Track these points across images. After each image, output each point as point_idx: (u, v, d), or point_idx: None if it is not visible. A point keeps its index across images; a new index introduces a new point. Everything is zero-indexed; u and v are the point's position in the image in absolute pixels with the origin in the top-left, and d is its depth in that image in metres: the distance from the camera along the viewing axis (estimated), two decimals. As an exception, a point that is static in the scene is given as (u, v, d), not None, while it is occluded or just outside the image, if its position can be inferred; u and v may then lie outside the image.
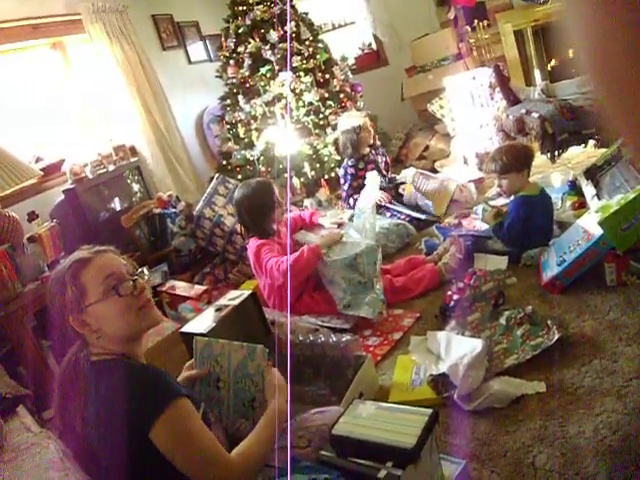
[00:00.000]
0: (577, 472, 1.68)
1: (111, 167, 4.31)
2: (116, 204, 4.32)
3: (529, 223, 3.07)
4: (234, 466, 1.44)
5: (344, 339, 2.41)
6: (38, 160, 4.15)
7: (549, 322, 2.41)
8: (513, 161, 3.10)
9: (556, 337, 2.28)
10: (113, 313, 1.46)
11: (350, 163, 4.32)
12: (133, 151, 4.81)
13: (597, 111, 3.56)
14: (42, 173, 3.88)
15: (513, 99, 4.34)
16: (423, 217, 4.13)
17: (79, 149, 4.47)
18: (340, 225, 3.58)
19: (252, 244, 3.19)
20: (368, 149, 4.39)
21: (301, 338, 2.44)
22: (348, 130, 4.27)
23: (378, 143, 4.71)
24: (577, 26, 0.43)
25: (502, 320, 2.55)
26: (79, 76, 4.71)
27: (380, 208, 4.23)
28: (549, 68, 6.00)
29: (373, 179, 3.75)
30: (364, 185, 4.26)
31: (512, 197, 3.23)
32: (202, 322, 2.44)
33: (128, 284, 1.49)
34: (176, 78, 5.63)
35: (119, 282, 1.48)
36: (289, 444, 1.65)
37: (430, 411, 1.69)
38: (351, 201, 4.31)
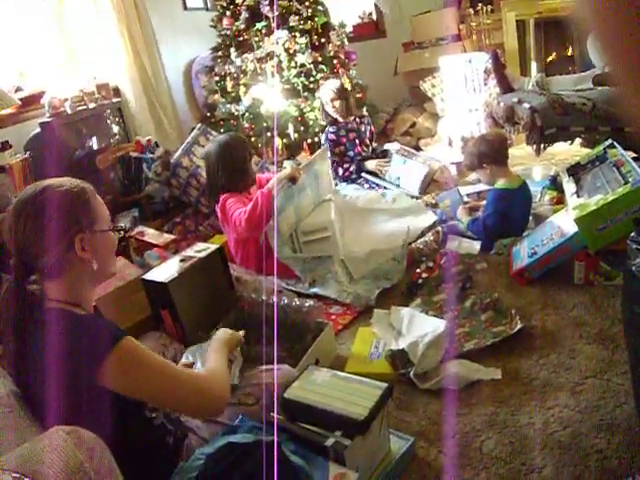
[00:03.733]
0: (523, 462, 1.69)
1: (92, 105, 4.19)
2: (93, 143, 4.21)
3: (506, 216, 3.07)
4: (207, 379, 1.48)
5: (307, 304, 2.39)
6: (18, 90, 4.03)
7: (513, 312, 2.42)
8: (482, 156, 3.12)
9: (518, 327, 2.30)
10: (108, 247, 1.53)
11: (332, 130, 4.29)
12: (116, 92, 4.67)
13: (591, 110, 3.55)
14: (20, 103, 3.78)
15: (506, 87, 4.30)
16: (405, 192, 4.09)
17: (61, 83, 4.34)
18: None
19: (221, 199, 3.14)
20: (352, 117, 4.35)
21: (264, 298, 2.41)
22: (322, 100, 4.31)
23: (365, 113, 4.66)
24: None
25: (467, 304, 2.55)
26: (70, 8, 4.55)
27: (359, 179, 4.22)
28: (546, 62, 5.98)
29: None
30: (345, 152, 4.25)
31: (490, 188, 3.24)
32: (165, 271, 2.40)
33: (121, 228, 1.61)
34: (169, 22, 5.47)
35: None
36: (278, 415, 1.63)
37: (385, 385, 1.69)
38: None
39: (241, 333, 2.04)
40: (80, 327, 1.38)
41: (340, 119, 4.27)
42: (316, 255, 3.06)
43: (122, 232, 1.60)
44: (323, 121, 4.47)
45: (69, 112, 3.96)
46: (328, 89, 4.24)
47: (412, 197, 3.96)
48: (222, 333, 1.84)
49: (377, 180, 4.20)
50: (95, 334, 1.37)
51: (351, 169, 4.27)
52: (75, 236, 1.42)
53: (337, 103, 4.21)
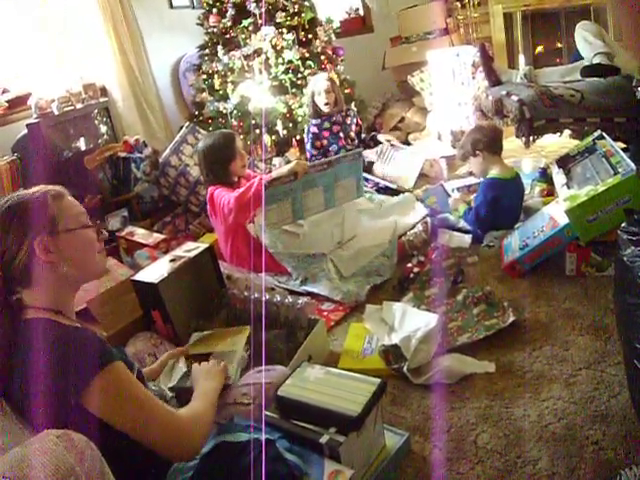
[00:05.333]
0: (519, 455, 1.68)
1: (79, 105, 4.16)
2: (81, 144, 4.19)
3: (497, 205, 3.06)
4: (186, 422, 1.43)
5: (300, 301, 2.38)
6: (4, 92, 4.01)
7: (505, 304, 2.41)
8: (476, 142, 3.15)
9: (511, 320, 2.29)
10: (81, 245, 1.48)
11: (314, 122, 4.28)
12: (103, 91, 4.64)
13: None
14: (6, 104, 3.76)
15: (495, 80, 4.29)
16: (394, 186, 4.07)
17: (48, 84, 4.30)
18: None
19: (209, 191, 3.18)
20: (337, 110, 4.32)
21: (257, 295, 2.39)
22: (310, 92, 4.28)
23: (354, 108, 4.65)
24: None
25: (459, 297, 2.55)
26: (56, 7, 4.51)
27: None
28: (534, 54, 5.98)
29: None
30: (328, 146, 4.22)
31: (481, 180, 3.25)
32: (155, 271, 2.39)
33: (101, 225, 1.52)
34: (155, 21, 5.44)
35: (88, 222, 1.53)
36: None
37: (379, 381, 1.68)
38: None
39: (247, 328, 2.04)
40: (68, 341, 1.35)
41: (328, 111, 4.24)
42: (308, 252, 3.05)
43: (101, 231, 1.56)
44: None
45: (56, 113, 3.94)
46: (322, 79, 4.21)
47: (403, 191, 3.94)
48: (199, 373, 1.77)
49: (369, 176, 4.17)
50: (84, 351, 1.33)
51: None
52: (33, 241, 1.39)
53: (331, 95, 4.20)
